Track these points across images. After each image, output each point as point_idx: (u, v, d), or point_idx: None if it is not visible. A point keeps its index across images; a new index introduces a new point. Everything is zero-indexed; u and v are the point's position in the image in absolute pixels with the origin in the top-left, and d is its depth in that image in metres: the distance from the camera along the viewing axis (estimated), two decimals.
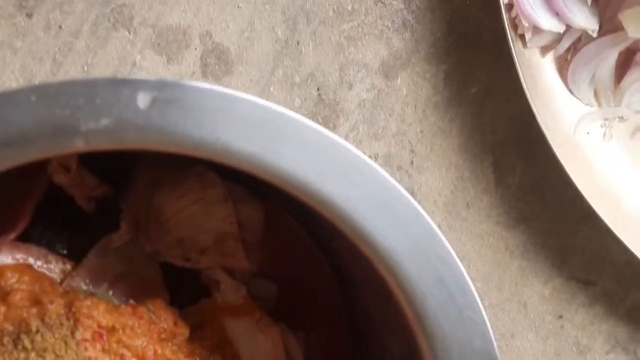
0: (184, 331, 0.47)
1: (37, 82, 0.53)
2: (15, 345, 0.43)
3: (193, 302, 0.50)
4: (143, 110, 0.36)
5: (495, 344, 0.40)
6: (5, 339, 0.43)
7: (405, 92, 0.55)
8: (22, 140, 0.36)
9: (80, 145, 0.36)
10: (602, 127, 0.57)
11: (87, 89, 0.35)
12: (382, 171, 0.39)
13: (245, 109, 0.37)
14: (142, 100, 0.36)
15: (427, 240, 0.39)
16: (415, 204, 0.39)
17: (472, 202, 0.56)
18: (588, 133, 0.57)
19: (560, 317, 0.58)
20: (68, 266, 0.47)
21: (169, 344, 0.46)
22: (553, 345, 0.58)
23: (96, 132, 0.36)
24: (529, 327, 0.57)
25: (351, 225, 0.39)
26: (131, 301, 0.48)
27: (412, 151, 0.55)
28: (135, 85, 0.36)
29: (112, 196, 0.49)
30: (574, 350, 0.58)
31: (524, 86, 0.52)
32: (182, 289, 0.51)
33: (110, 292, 0.48)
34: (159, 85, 0.36)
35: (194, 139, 0.37)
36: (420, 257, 0.39)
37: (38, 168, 0.47)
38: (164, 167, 0.51)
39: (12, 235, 0.46)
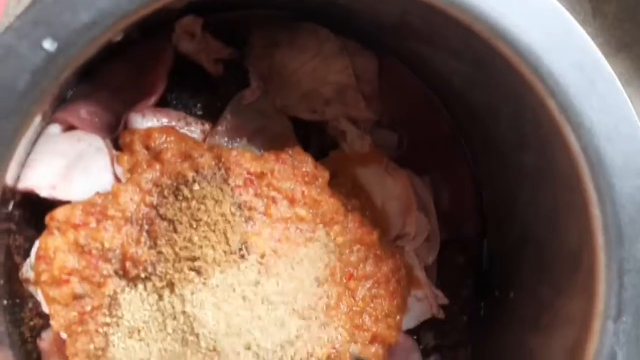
0: (324, 174, 0.49)
1: None
2: (176, 196, 0.45)
3: (320, 157, 0.52)
4: None
5: None
6: (166, 192, 0.46)
7: None
8: None
9: None
10: None
11: None
12: None
13: None
14: None
15: (564, 32, 0.41)
16: None
17: None
18: None
19: None
20: (207, 126, 0.49)
21: (313, 186, 0.48)
22: None
23: None
24: None
25: (491, 24, 0.40)
26: None
27: None
28: None
29: (237, 59, 0.51)
30: None
31: None
32: (309, 146, 0.52)
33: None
34: None
35: None
36: (559, 47, 0.40)
37: (163, 38, 0.49)
38: (276, 28, 0.52)
39: (152, 100, 0.48)
